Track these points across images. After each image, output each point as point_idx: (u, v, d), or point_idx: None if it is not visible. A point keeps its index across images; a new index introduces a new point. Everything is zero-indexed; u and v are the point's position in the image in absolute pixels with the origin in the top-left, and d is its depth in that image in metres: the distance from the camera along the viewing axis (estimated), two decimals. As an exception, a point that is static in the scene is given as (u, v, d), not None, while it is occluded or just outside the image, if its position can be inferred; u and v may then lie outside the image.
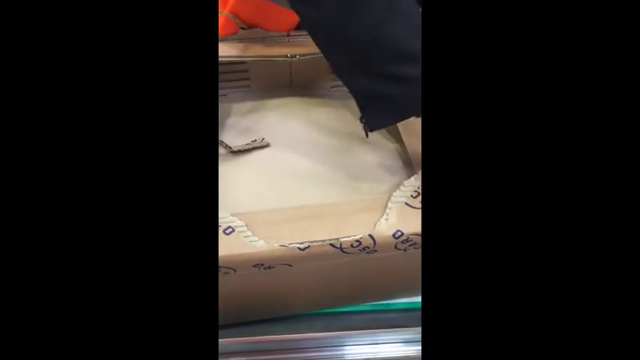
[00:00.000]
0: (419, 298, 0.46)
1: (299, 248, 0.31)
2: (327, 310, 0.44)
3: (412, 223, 0.32)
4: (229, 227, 0.33)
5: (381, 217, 0.33)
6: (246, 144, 0.46)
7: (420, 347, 0.44)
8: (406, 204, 0.30)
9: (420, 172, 0.36)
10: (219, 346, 0.40)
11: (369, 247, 0.33)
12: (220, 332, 0.40)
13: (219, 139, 0.46)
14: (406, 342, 0.43)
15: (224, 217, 0.33)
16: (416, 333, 0.43)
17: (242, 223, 0.33)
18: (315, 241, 0.32)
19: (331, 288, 0.40)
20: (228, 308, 0.39)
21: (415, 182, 0.34)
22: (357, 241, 0.32)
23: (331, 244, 0.32)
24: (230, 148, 0.45)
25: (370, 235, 0.32)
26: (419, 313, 0.46)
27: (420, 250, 0.35)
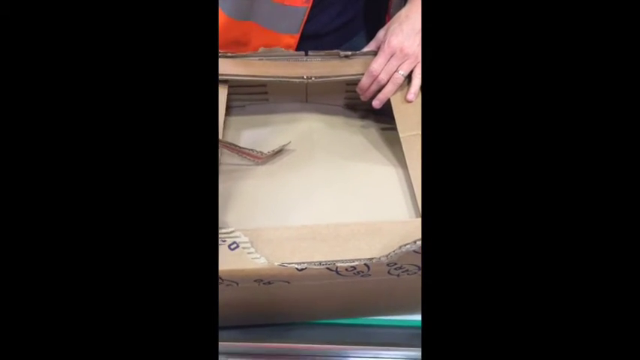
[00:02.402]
0: (412, 316, 0.46)
1: (297, 268, 0.32)
2: (331, 321, 0.45)
3: (411, 260, 0.33)
4: (234, 243, 0.34)
5: (381, 248, 0.34)
6: (273, 151, 0.48)
7: None
8: (414, 251, 0.31)
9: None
10: (229, 348, 0.42)
11: (362, 272, 0.33)
12: (227, 333, 0.42)
13: (248, 149, 0.48)
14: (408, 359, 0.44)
15: (230, 232, 0.34)
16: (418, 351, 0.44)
17: (246, 240, 0.34)
18: (313, 263, 0.33)
19: (327, 302, 0.41)
20: (232, 313, 0.41)
21: None
22: (352, 266, 0.33)
23: (327, 268, 0.33)
24: (262, 153, 0.47)
25: (366, 264, 0.32)
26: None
27: (412, 276, 0.35)
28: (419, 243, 0.30)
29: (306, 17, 0.52)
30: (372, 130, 0.54)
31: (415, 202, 0.40)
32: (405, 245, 0.31)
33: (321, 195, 0.44)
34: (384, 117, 0.56)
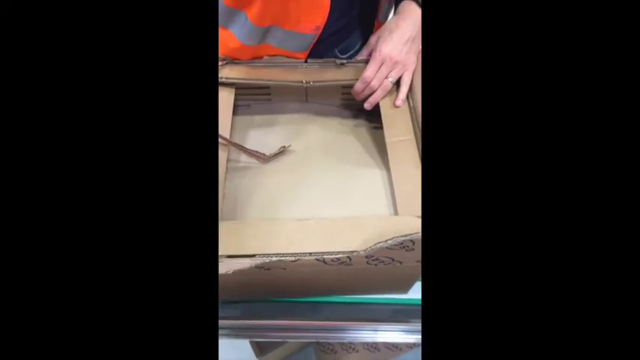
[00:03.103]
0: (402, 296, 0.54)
1: (291, 260, 0.39)
2: (331, 299, 0.53)
3: (385, 254, 0.39)
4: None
5: (362, 242, 0.40)
6: (276, 152, 0.54)
7: (415, 336, 0.52)
8: (387, 247, 0.37)
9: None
10: (243, 325, 0.49)
11: (345, 262, 0.40)
12: (240, 311, 0.50)
13: (255, 150, 0.54)
14: (405, 331, 0.52)
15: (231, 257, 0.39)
16: (411, 325, 0.52)
17: (247, 263, 0.38)
18: (304, 254, 0.40)
19: (317, 284, 0.48)
20: (239, 290, 0.48)
21: (402, 239, 0.37)
22: (337, 258, 0.39)
23: (316, 259, 0.39)
24: (264, 155, 0.53)
25: (348, 256, 0.39)
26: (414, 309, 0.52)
27: (387, 266, 0.42)
28: (390, 242, 0.37)
29: (316, 39, 0.56)
30: (364, 129, 0.60)
31: (394, 200, 0.46)
32: (379, 243, 0.37)
33: (314, 192, 0.50)
34: (374, 117, 0.61)
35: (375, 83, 0.54)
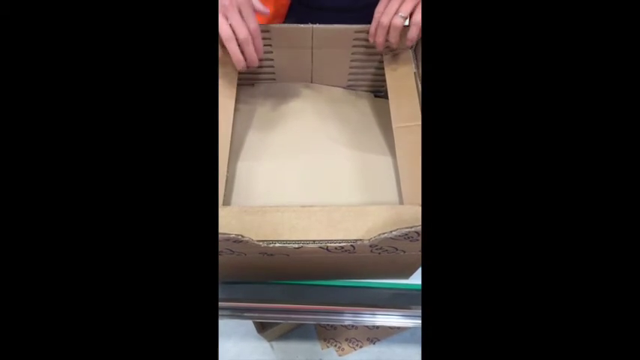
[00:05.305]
0: (394, 280, 0.54)
1: (294, 247, 0.39)
2: (332, 283, 0.53)
3: (389, 243, 0.39)
4: (237, 240, 0.38)
5: (366, 231, 0.40)
6: None
7: (413, 321, 0.53)
8: (391, 238, 0.37)
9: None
10: (248, 307, 0.50)
11: (349, 251, 0.40)
12: (244, 293, 0.50)
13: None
14: (404, 316, 0.52)
15: (230, 234, 0.37)
16: (410, 311, 0.52)
17: (247, 238, 0.37)
18: (308, 241, 0.40)
19: (319, 269, 0.48)
20: (241, 273, 0.48)
21: (405, 230, 0.36)
22: (340, 246, 0.39)
23: (320, 247, 0.39)
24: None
25: (352, 245, 0.39)
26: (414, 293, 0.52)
27: (391, 254, 0.42)
28: (394, 232, 0.36)
29: None
30: (371, 112, 0.59)
31: (400, 189, 0.46)
32: (384, 234, 0.37)
33: (319, 178, 0.49)
34: (383, 99, 0.60)
35: (384, 19, 0.50)
